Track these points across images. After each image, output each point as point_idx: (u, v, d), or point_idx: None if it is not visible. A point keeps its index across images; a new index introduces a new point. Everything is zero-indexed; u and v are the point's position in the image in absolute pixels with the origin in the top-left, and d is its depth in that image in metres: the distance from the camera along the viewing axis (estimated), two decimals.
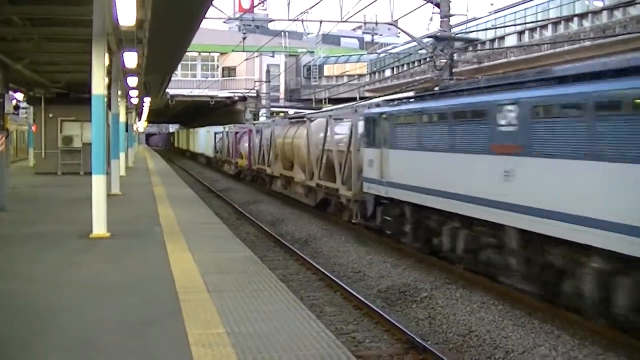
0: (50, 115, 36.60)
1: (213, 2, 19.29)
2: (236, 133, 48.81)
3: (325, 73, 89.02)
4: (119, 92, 28.43)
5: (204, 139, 71.97)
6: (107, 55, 16.60)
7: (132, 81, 31.68)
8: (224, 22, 78.52)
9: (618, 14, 45.50)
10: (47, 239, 15.60)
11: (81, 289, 10.94)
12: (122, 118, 33.55)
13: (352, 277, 17.26)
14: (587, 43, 45.68)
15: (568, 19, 49.67)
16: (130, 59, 23.35)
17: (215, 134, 61.80)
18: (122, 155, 32.54)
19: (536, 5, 53.61)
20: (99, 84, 15.74)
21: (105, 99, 16.17)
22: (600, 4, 47.30)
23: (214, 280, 11.23)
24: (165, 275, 11.62)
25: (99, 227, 15.82)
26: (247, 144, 43.98)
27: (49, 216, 20.05)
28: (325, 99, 75.47)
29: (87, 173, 18.13)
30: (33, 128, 40.55)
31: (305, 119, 29.95)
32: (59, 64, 28.13)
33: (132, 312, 9.49)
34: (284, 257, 20.00)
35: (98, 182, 15.94)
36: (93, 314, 9.41)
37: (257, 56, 78.23)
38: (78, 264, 12.86)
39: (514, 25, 53.55)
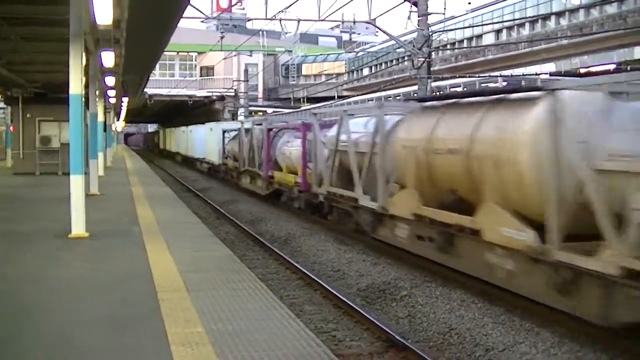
0: (28, 116, 36.33)
1: (191, 2, 19.25)
2: (269, 130, 32.50)
3: (304, 72, 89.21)
4: (97, 92, 28.27)
5: (204, 139, 54.70)
6: (84, 55, 16.51)
7: (110, 81, 31.55)
8: (202, 21, 78.57)
9: (595, 12, 45.85)
10: (24, 239, 15.51)
11: (59, 288, 10.89)
12: (101, 118, 33.35)
13: (332, 275, 17.25)
14: (564, 42, 45.97)
15: (545, 17, 49.96)
16: (108, 58, 23.26)
17: (225, 132, 46.11)
18: (100, 155, 32.38)
19: (513, 3, 53.95)
20: (76, 84, 15.65)
21: (83, 99, 16.08)
22: (577, 2, 47.59)
23: (193, 279, 11.21)
24: (144, 275, 11.58)
25: (78, 227, 15.73)
26: (295, 150, 28.19)
27: (26, 216, 19.93)
28: (303, 98, 75.50)
29: (66, 173, 17.99)
30: (11, 128, 40.25)
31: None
32: (36, 64, 27.99)
33: (111, 311, 9.45)
34: (264, 256, 19.97)
35: (76, 182, 15.86)
36: (71, 314, 9.37)
37: (235, 55, 78.20)
38: (56, 264, 12.80)
39: (492, 23, 53.80)
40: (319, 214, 25.12)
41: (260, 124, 35.38)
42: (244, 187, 38.18)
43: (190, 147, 63.30)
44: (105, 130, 40.38)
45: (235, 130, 43.16)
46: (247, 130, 37.41)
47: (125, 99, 56.36)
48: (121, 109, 69.72)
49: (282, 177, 29.41)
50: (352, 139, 20.55)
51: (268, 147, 31.91)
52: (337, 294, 14.58)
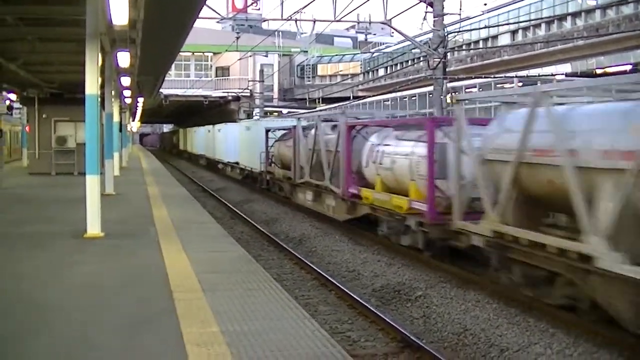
0: (44, 116, 36.48)
1: (207, 2, 19.28)
2: (351, 128, 23.60)
3: (319, 72, 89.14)
4: (113, 92, 28.35)
5: (237, 140, 46.56)
6: (100, 55, 16.57)
7: (126, 81, 31.61)
8: (218, 22, 78.57)
9: (611, 13, 45.65)
10: (40, 239, 15.56)
11: (74, 288, 10.92)
12: (116, 118, 33.43)
13: (347, 276, 17.28)
14: (580, 42, 45.81)
15: (561, 18, 49.81)
16: (124, 59, 23.31)
17: (269, 131, 36.57)
18: (116, 155, 32.46)
19: (529, 4, 53.79)
20: (92, 84, 15.70)
21: (99, 99, 16.13)
22: (593, 3, 47.42)
23: (209, 279, 11.22)
24: (160, 275, 11.60)
25: (93, 227, 15.78)
26: (403, 159, 19.42)
27: (42, 216, 19.98)
28: (318, 99, 75.52)
29: (81, 173, 18.05)
30: (27, 128, 40.41)
31: None
32: (52, 64, 28.09)
33: (127, 311, 9.48)
34: (278, 256, 20.03)
35: (92, 182, 15.91)
36: (87, 314, 9.39)
37: (250, 56, 78.27)
38: (71, 264, 12.83)
39: (507, 24, 53.67)
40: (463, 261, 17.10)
41: (330, 120, 28.34)
42: (300, 205, 29.56)
43: (219, 149, 55.06)
44: (120, 130, 40.48)
45: (285, 129, 34.75)
46: (306, 129, 29.48)
47: (140, 99, 56.43)
48: (136, 109, 69.83)
49: (381, 198, 20.17)
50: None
51: (348, 152, 23.05)
52: (352, 295, 14.59)
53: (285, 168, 32.28)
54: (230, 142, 49.28)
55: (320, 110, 56.11)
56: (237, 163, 46.71)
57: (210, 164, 61.71)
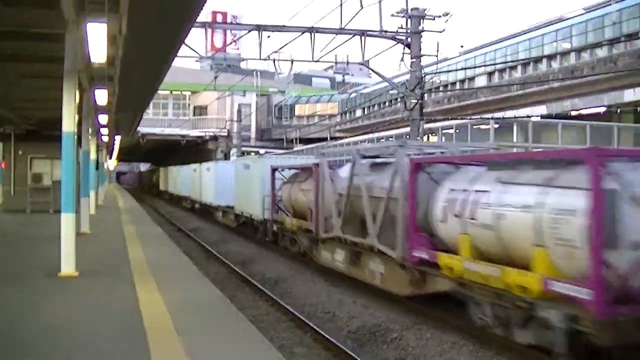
0: (20, 152, 36.35)
1: (185, 41, 19.33)
2: (417, 168, 16.92)
3: (297, 113, 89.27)
4: (90, 130, 28.28)
5: (229, 181, 40.71)
6: (78, 92, 16.53)
7: (103, 119, 31.57)
8: (196, 61, 78.81)
9: (586, 56, 46.18)
10: (13, 278, 15.42)
11: (45, 329, 10.79)
12: (93, 156, 33.34)
13: (323, 317, 17.17)
14: (556, 84, 46.28)
15: (537, 60, 50.35)
16: (101, 96, 23.30)
17: (275, 170, 29.63)
18: (92, 193, 32.33)
19: (505, 46, 54.38)
20: (69, 121, 15.66)
21: (76, 137, 16.07)
22: (568, 46, 47.97)
23: (183, 320, 11.13)
24: (134, 315, 11.50)
25: (68, 266, 15.65)
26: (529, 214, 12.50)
27: (16, 254, 19.83)
28: (296, 139, 75.67)
29: (57, 211, 17.91)
30: (2, 165, 40.24)
31: None
32: (31, 101, 27.97)
33: (100, 352, 9.37)
34: (254, 297, 19.88)
35: (67, 221, 15.80)
36: (60, 356, 9.28)
37: (228, 95, 78.39)
38: (45, 304, 12.70)
39: (484, 65, 54.16)
40: None
41: (374, 155, 21.07)
42: (328, 268, 22.79)
43: (206, 190, 49.33)
44: (97, 168, 40.33)
45: (297, 167, 28.58)
46: (332, 167, 23.30)
47: (118, 137, 56.38)
48: (114, 147, 69.68)
49: (481, 271, 13.73)
50: None
51: (413, 200, 16.55)
52: (328, 336, 14.50)
53: (300, 217, 26.09)
54: (220, 184, 43.98)
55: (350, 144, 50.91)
56: (231, 207, 40.74)
57: (194, 207, 56.77)
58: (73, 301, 13.00)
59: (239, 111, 72.97)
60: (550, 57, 48.95)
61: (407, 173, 16.80)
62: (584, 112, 43.68)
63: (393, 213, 17.57)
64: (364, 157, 20.55)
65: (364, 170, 19.86)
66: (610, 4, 45.78)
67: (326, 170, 22.44)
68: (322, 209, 22.73)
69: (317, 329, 15.28)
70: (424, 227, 16.22)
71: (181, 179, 64.53)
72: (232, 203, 40.19)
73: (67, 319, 11.50)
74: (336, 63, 38.72)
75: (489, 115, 46.03)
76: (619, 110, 37.30)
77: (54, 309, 12.24)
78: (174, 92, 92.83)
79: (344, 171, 21.60)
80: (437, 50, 39.43)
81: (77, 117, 16.07)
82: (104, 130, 39.25)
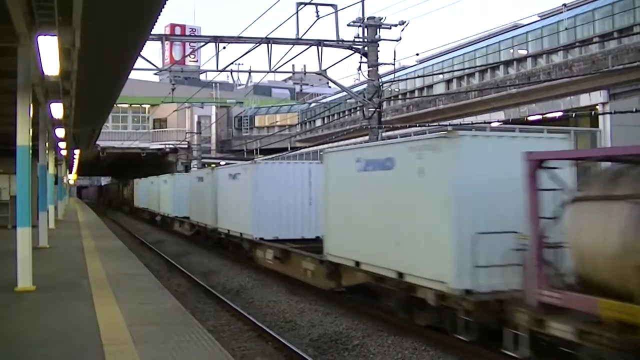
0: None
1: (142, 54, 19.26)
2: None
3: (257, 124, 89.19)
4: (47, 144, 28.05)
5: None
6: (32, 106, 16.40)
7: (61, 132, 31.29)
8: (155, 74, 78.46)
9: (542, 62, 46.68)
10: None
11: (2, 342, 10.68)
12: (51, 170, 33.08)
13: (284, 326, 17.18)
14: (513, 90, 46.68)
15: (494, 67, 50.76)
16: (57, 110, 23.10)
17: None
18: (51, 207, 32.04)
19: (463, 53, 54.74)
20: (23, 135, 15.54)
21: (31, 151, 15.94)
22: (524, 52, 48.44)
23: (141, 332, 11.08)
24: (92, 328, 11.43)
25: (24, 281, 15.50)
26: None
27: None
28: (256, 150, 75.55)
29: (16, 226, 17.79)
30: None
31: None
32: None
33: None
34: (215, 308, 19.84)
35: (23, 235, 15.67)
36: None
37: (188, 107, 78.13)
38: (0, 319, 12.58)
39: (442, 73, 54.50)
40: None
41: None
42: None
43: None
44: (56, 182, 39.97)
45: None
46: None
47: (77, 151, 55.92)
48: (73, 162, 69.08)
49: None
50: None
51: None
52: (289, 345, 14.51)
53: None
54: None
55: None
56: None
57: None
58: (29, 315, 12.89)
59: (199, 123, 72.74)
60: (507, 64, 49.41)
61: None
62: (539, 117, 44.05)
63: None
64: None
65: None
66: (562, 12, 46.41)
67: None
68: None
69: (279, 337, 15.29)
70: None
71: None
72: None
73: (22, 332, 11.38)
74: (293, 73, 38.76)
75: (447, 122, 46.30)
76: (574, 115, 37.69)
77: (9, 323, 12.12)
78: (133, 105, 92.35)
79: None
80: (394, 59, 39.61)
81: (32, 131, 15.95)
82: (62, 144, 38.89)
